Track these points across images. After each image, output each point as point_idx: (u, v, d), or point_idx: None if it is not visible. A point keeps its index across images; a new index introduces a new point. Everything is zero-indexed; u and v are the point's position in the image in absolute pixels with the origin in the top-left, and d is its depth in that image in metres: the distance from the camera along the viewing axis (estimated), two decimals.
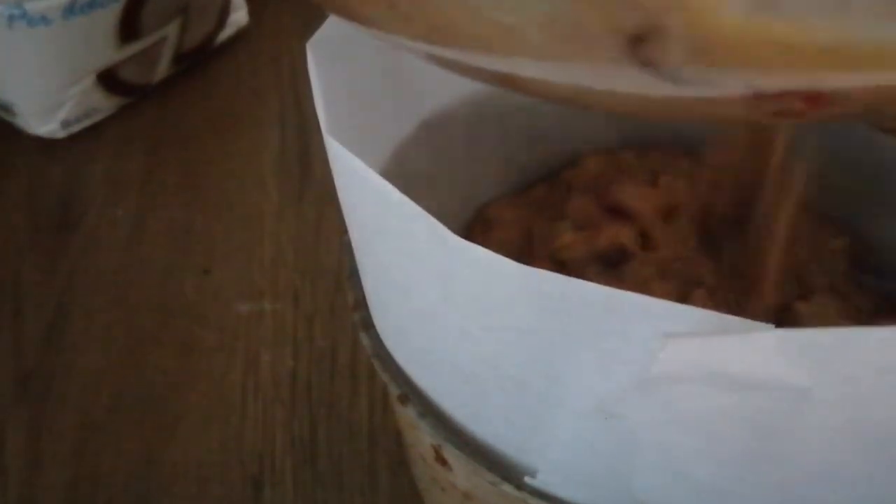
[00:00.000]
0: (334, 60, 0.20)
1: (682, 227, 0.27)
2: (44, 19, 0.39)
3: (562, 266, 0.26)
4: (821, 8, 0.12)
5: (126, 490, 0.32)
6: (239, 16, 0.47)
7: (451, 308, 0.18)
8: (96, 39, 0.41)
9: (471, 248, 0.16)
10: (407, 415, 0.22)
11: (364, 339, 0.23)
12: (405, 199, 0.17)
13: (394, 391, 0.22)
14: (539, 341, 0.17)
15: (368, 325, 0.23)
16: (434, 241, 0.17)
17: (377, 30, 0.16)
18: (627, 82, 0.14)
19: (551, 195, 0.29)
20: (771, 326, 0.15)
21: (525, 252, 0.27)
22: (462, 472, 0.23)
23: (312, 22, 0.21)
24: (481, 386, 0.19)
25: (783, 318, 0.25)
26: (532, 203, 0.29)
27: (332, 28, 0.21)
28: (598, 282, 0.16)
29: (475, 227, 0.29)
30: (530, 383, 0.18)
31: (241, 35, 0.47)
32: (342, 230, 0.23)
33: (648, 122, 0.29)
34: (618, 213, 0.27)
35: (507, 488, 0.21)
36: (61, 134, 0.43)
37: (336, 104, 0.19)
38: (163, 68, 0.45)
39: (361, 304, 0.23)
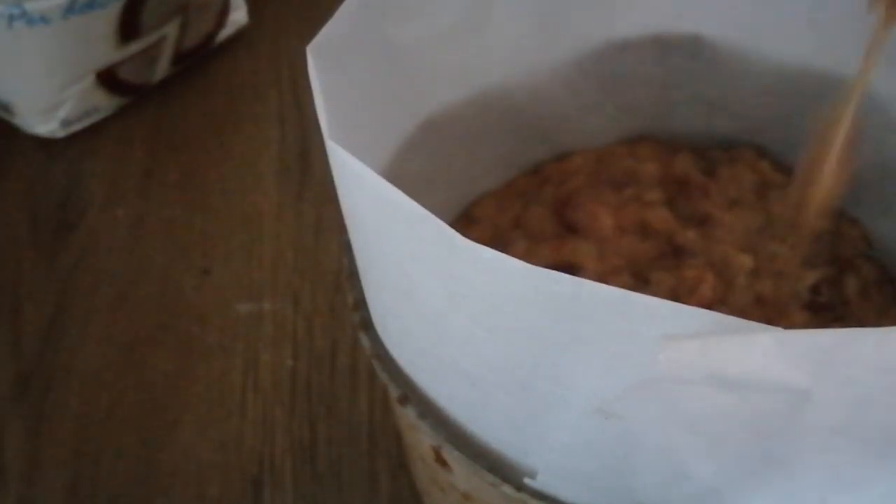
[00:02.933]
0: (334, 64, 0.20)
1: (637, 242, 0.27)
2: (43, 19, 0.39)
3: None
4: None
5: (126, 490, 0.32)
6: (239, 15, 0.47)
7: (456, 310, 0.18)
8: (96, 39, 0.41)
9: (479, 249, 0.16)
10: (407, 415, 0.22)
11: (364, 340, 0.23)
12: (411, 202, 0.17)
13: (393, 392, 0.22)
14: (545, 343, 0.17)
15: (368, 325, 0.23)
16: (440, 243, 0.17)
17: None
18: None
19: (529, 190, 0.30)
20: (771, 328, 0.15)
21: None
22: (462, 473, 0.23)
23: (312, 22, 0.21)
24: (485, 388, 0.19)
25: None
26: (513, 197, 0.29)
27: (332, 31, 0.21)
28: None
29: (458, 225, 0.29)
30: (534, 385, 0.18)
31: (240, 35, 0.47)
32: (342, 230, 0.23)
33: None
34: (572, 228, 0.28)
35: (507, 489, 0.21)
36: (61, 133, 0.43)
37: (337, 108, 0.19)
38: (162, 68, 0.45)
39: (361, 304, 0.23)
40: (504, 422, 0.20)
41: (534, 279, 0.16)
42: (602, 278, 0.26)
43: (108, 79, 0.43)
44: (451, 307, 0.18)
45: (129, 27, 0.41)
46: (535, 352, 0.17)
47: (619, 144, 0.31)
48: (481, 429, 0.21)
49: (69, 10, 0.39)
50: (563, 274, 0.16)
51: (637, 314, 0.15)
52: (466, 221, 0.29)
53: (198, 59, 0.46)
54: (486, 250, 0.16)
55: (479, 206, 0.29)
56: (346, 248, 0.24)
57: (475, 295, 0.17)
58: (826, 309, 0.26)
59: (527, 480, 0.21)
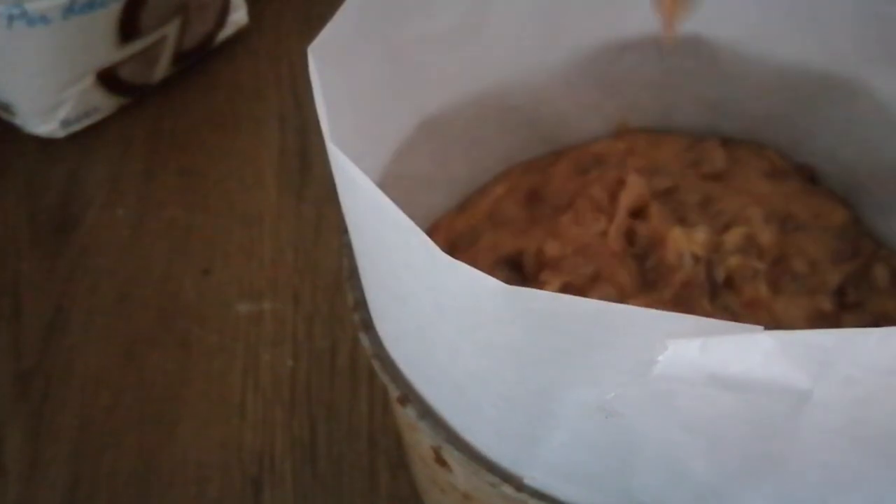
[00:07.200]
0: (335, 65, 0.20)
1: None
2: (43, 19, 0.39)
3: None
4: None
5: (126, 490, 0.32)
6: (239, 16, 0.47)
7: (443, 321, 0.18)
8: (96, 39, 0.41)
9: (457, 266, 0.16)
10: (406, 416, 0.22)
11: (364, 340, 0.23)
12: (400, 213, 0.17)
13: (393, 392, 0.22)
14: (527, 357, 0.17)
15: (368, 325, 0.23)
16: (425, 257, 0.17)
17: None
18: None
19: (514, 176, 0.30)
20: (763, 329, 0.15)
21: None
22: (462, 473, 0.23)
23: (312, 22, 0.21)
24: (473, 399, 0.19)
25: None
26: (496, 186, 0.29)
27: (333, 32, 0.21)
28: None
29: (450, 214, 0.29)
30: (521, 399, 0.18)
31: (240, 35, 0.47)
32: (342, 230, 0.23)
33: None
34: (537, 220, 0.28)
35: (507, 489, 0.21)
36: (61, 134, 0.43)
37: (338, 109, 0.19)
38: (162, 68, 0.45)
39: (361, 304, 0.23)
40: (492, 431, 0.20)
41: (510, 297, 0.16)
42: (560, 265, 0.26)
43: (108, 79, 0.43)
44: (439, 317, 0.18)
45: (129, 27, 0.41)
46: (518, 366, 0.18)
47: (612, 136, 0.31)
48: (473, 436, 0.21)
49: (69, 10, 0.39)
50: (539, 290, 0.16)
51: (616, 325, 0.15)
52: (460, 209, 0.29)
53: (198, 59, 0.46)
54: (464, 268, 0.16)
55: (470, 198, 0.29)
56: (346, 248, 0.24)
57: (458, 309, 0.17)
58: (855, 306, 0.26)
59: (527, 480, 0.21)
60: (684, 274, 0.25)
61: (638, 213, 0.27)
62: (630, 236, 0.26)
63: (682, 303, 0.25)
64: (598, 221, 0.27)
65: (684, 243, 0.26)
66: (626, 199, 0.27)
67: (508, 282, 0.16)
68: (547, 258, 0.26)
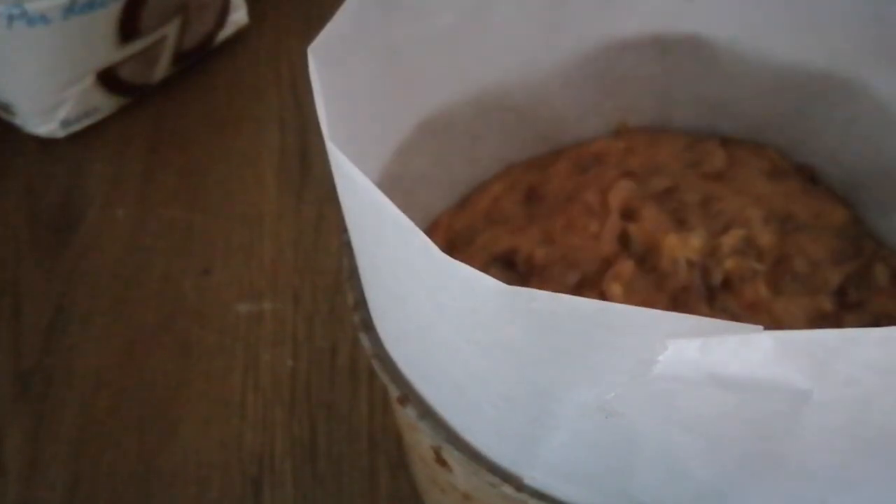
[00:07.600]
0: (335, 64, 0.20)
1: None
2: (43, 19, 0.39)
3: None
4: None
5: (126, 490, 0.32)
6: (239, 16, 0.47)
7: (442, 321, 0.18)
8: (96, 39, 0.41)
9: (456, 266, 0.16)
10: (406, 416, 0.22)
11: (364, 340, 0.23)
12: (400, 213, 0.17)
13: (393, 392, 0.22)
14: (527, 357, 0.17)
15: (368, 325, 0.23)
16: (424, 256, 0.17)
17: None
18: None
19: (514, 173, 0.30)
20: (759, 329, 0.15)
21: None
22: (462, 473, 0.23)
23: (312, 22, 0.21)
24: (473, 399, 0.19)
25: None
26: (496, 182, 0.29)
27: (333, 32, 0.21)
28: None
29: (449, 211, 0.29)
30: (521, 399, 0.18)
31: (240, 35, 0.47)
32: (342, 230, 0.23)
33: None
34: (533, 218, 0.28)
35: (507, 489, 0.21)
36: (61, 134, 0.43)
37: (337, 109, 0.19)
38: (162, 68, 0.45)
39: (361, 304, 0.23)
40: (492, 431, 0.20)
41: (510, 297, 0.16)
42: (548, 269, 0.26)
43: (108, 79, 0.43)
44: (438, 317, 0.18)
45: (129, 27, 0.41)
46: (518, 366, 0.17)
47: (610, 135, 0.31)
48: (473, 436, 0.21)
49: (69, 10, 0.39)
50: (538, 290, 0.16)
51: (616, 325, 0.15)
52: (457, 209, 0.29)
53: (198, 59, 0.46)
54: (464, 268, 0.16)
55: (470, 197, 0.29)
56: (346, 248, 0.24)
57: (457, 308, 0.17)
58: (856, 305, 0.26)
59: (527, 480, 0.21)
60: (680, 279, 0.25)
61: (631, 214, 0.27)
62: (624, 239, 0.26)
63: (679, 308, 0.25)
64: (591, 225, 0.27)
65: (679, 249, 0.26)
66: (614, 201, 0.27)
67: (503, 279, 0.16)
68: (535, 265, 0.26)
